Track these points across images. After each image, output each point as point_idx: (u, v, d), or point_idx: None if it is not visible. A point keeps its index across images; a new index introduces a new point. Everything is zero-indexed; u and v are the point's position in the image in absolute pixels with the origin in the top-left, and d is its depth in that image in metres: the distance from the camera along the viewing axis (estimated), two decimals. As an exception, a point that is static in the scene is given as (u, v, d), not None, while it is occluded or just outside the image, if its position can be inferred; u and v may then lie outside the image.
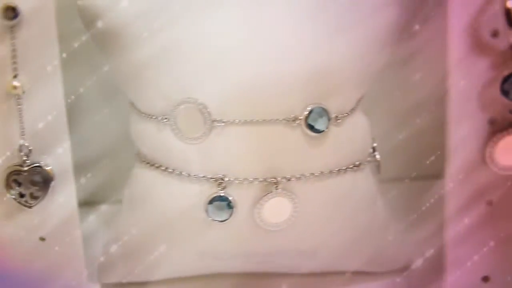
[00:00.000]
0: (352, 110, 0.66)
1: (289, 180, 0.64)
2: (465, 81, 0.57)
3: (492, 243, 0.60)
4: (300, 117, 0.63)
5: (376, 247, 0.69)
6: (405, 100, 0.78)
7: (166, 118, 0.64)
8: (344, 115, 0.65)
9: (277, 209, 0.64)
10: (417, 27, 0.66)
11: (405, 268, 0.70)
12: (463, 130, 0.58)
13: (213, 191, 0.64)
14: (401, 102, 0.78)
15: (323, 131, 0.64)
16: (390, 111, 0.78)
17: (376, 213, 0.69)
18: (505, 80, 0.57)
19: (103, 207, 0.79)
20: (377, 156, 0.69)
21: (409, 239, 0.71)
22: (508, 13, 0.55)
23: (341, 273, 0.69)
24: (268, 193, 0.64)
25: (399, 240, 0.70)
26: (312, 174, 0.64)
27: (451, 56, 0.57)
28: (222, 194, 0.64)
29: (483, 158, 0.59)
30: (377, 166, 0.69)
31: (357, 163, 0.66)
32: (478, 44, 0.57)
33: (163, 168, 0.65)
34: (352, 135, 0.66)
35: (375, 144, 0.69)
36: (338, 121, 0.64)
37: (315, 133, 0.64)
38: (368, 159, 0.68)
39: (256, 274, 0.69)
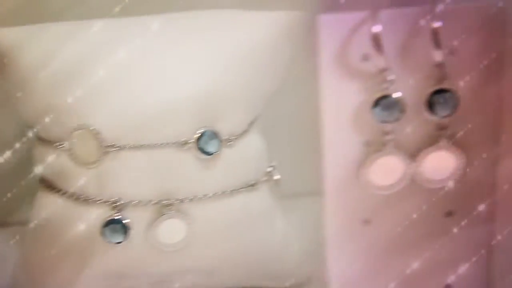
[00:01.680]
0: (245, 132, 0.67)
1: (182, 201, 0.66)
2: (337, 105, 0.59)
3: (369, 261, 0.62)
4: (191, 141, 0.65)
5: (276, 263, 0.70)
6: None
7: (62, 144, 0.66)
8: (235, 137, 0.66)
9: (171, 230, 0.66)
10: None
11: (307, 282, 0.72)
12: (338, 151, 0.60)
13: (109, 214, 0.66)
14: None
15: (214, 153, 0.65)
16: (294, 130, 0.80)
17: (273, 231, 0.70)
18: (376, 103, 0.59)
19: (16, 228, 0.80)
20: (276, 176, 0.70)
21: (310, 253, 0.73)
22: (376, 38, 0.57)
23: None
24: (162, 215, 0.66)
25: (300, 256, 0.72)
26: (205, 195, 0.66)
27: (322, 80, 0.59)
28: (117, 217, 0.66)
29: (359, 178, 0.60)
30: (276, 185, 0.70)
31: (252, 183, 0.68)
32: (348, 68, 0.59)
33: (62, 192, 0.67)
34: (245, 156, 0.68)
35: (273, 163, 0.70)
36: (230, 143, 0.66)
37: (206, 156, 0.65)
38: (265, 178, 0.69)
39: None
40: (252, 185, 0.68)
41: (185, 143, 0.65)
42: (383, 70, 0.58)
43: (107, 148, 0.65)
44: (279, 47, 0.67)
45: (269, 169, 0.70)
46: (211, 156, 0.65)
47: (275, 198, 0.71)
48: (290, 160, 0.73)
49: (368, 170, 0.60)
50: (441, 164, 0.60)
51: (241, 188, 0.68)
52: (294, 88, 0.70)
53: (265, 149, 0.69)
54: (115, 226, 0.66)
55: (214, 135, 0.65)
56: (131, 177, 0.65)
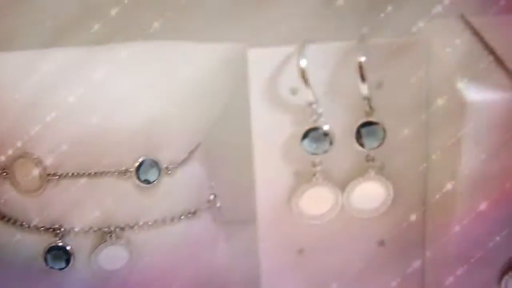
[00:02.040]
0: (185, 160, 0.69)
1: (123, 229, 0.67)
2: (268, 136, 0.60)
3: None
4: (131, 169, 0.66)
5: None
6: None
7: (5, 172, 0.67)
8: (175, 165, 0.68)
9: (113, 257, 0.67)
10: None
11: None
12: (270, 182, 0.61)
13: (51, 240, 0.67)
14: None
15: (154, 181, 0.67)
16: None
17: (215, 258, 0.71)
18: (305, 135, 0.60)
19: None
20: (217, 204, 0.71)
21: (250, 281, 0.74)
22: (302, 72, 0.58)
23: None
24: (103, 242, 0.67)
25: (240, 282, 0.73)
26: (146, 222, 0.67)
27: (253, 112, 0.60)
28: (59, 244, 0.67)
29: (290, 208, 0.62)
30: (218, 213, 0.72)
31: (193, 210, 0.69)
32: (278, 101, 0.60)
33: (5, 219, 0.68)
34: (185, 184, 0.69)
35: (215, 191, 0.71)
36: (170, 171, 0.67)
37: (146, 184, 0.67)
38: (206, 206, 0.71)
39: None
40: (193, 213, 0.69)
41: (125, 171, 0.66)
42: (311, 103, 0.59)
43: (49, 176, 0.66)
44: (219, 77, 0.68)
45: (211, 197, 0.71)
46: (151, 184, 0.67)
47: (217, 225, 0.72)
48: (232, 188, 0.74)
49: (299, 200, 0.61)
50: (370, 194, 0.61)
51: (182, 216, 0.69)
52: (234, 117, 0.71)
53: (205, 177, 0.71)
54: (57, 252, 0.67)
55: (154, 163, 0.67)
56: (72, 205, 0.67)
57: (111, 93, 0.67)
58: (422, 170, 0.61)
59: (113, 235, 0.67)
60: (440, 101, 0.58)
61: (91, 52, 0.68)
